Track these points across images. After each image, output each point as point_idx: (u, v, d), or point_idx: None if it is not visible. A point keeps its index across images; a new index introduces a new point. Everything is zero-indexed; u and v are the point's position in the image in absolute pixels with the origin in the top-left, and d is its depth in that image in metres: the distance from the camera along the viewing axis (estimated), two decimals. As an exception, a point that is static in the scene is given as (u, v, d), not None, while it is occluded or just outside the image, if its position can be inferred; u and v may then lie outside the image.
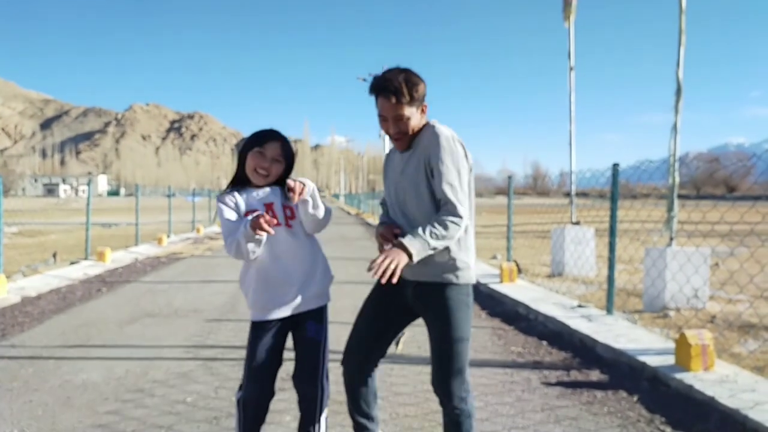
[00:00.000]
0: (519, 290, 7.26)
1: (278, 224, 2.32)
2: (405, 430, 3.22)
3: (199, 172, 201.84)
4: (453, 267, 2.28)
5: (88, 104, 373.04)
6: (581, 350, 4.84)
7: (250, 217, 2.22)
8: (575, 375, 4.23)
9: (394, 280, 2.09)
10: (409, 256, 2.11)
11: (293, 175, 2.48)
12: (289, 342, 2.49)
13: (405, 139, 2.32)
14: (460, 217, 2.19)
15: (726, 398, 3.41)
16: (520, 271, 8.51)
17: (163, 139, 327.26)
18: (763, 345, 4.80)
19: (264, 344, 2.39)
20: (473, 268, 2.36)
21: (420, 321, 2.53)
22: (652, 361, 4.16)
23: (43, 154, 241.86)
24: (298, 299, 2.39)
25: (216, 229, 20.16)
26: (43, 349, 4.86)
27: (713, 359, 3.95)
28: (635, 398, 3.72)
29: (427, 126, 2.33)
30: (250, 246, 2.24)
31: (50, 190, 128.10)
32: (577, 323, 5.37)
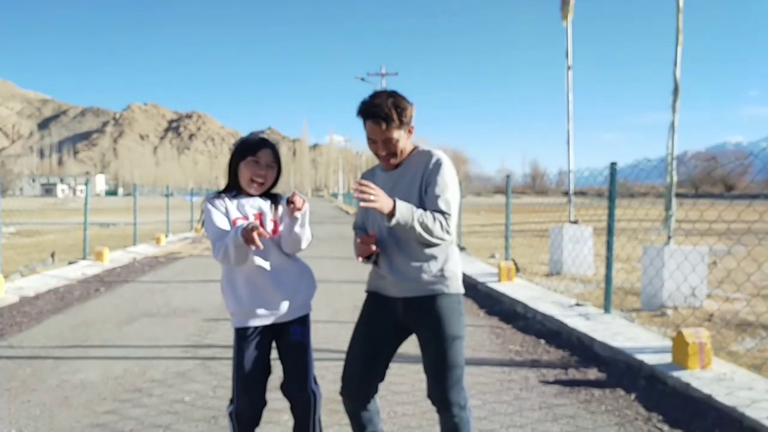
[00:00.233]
0: (517, 289, 7.27)
1: (269, 237, 2.34)
2: (403, 429, 3.23)
3: (197, 171, 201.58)
4: (442, 278, 2.29)
5: (86, 104, 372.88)
6: (579, 349, 4.85)
7: (242, 224, 2.21)
8: (573, 373, 4.24)
9: (362, 204, 2.08)
10: (392, 212, 2.10)
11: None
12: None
13: (394, 160, 2.34)
14: (448, 230, 2.22)
15: (723, 396, 3.42)
16: (518, 269, 8.53)
17: (161, 138, 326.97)
18: (760, 343, 4.82)
19: (250, 354, 2.39)
20: (461, 278, 2.37)
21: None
22: (650, 359, 4.17)
23: (41, 154, 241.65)
24: (284, 308, 2.39)
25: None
26: (41, 349, 4.86)
27: (710, 357, 3.96)
28: (633, 396, 3.73)
29: (422, 151, 2.36)
30: (239, 254, 2.22)
31: (48, 190, 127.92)
32: (575, 322, 5.38)
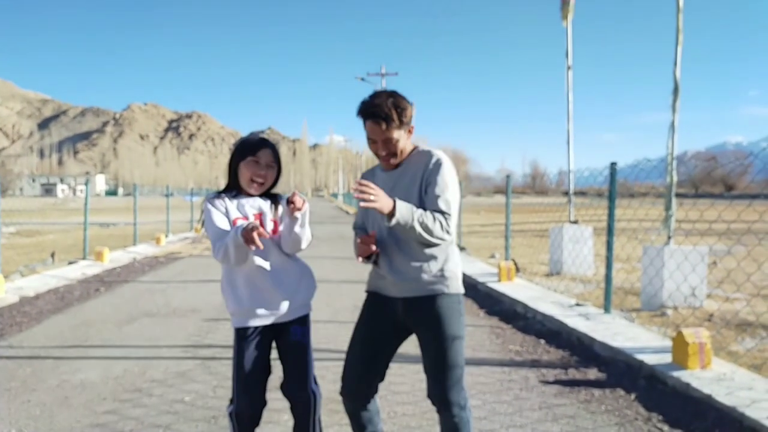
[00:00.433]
0: (517, 289, 7.27)
1: (269, 237, 2.34)
2: (403, 429, 3.23)
3: (197, 171, 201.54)
4: (443, 278, 2.29)
5: (86, 104, 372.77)
6: (579, 349, 4.85)
7: (242, 224, 2.21)
8: (573, 373, 4.24)
9: (362, 204, 2.08)
10: (392, 212, 2.11)
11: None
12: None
13: (394, 160, 2.35)
14: (448, 230, 2.22)
15: (723, 396, 3.42)
16: (518, 269, 8.53)
17: (162, 138, 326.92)
18: (760, 343, 4.82)
19: (250, 354, 2.38)
20: (461, 278, 2.38)
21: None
22: (650, 359, 4.17)
23: (41, 154, 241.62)
24: (284, 308, 2.39)
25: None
26: (41, 349, 4.86)
27: (710, 357, 3.96)
28: (633, 396, 3.73)
29: (422, 151, 2.37)
30: (239, 254, 2.22)
31: (48, 190, 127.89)
32: (575, 322, 5.38)
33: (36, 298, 7.11)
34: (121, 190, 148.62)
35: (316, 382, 2.50)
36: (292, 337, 2.42)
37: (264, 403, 2.45)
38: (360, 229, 2.56)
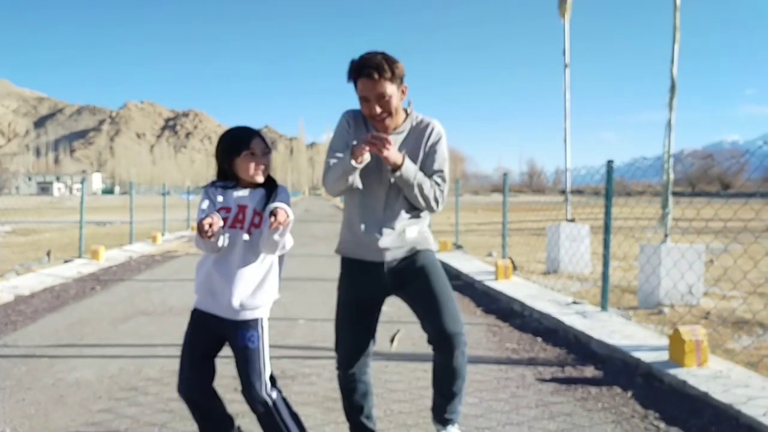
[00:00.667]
0: (514, 287, 7.27)
1: (233, 226, 2.33)
2: (399, 427, 3.22)
3: (194, 170, 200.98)
4: (425, 239, 2.50)
5: (83, 102, 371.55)
6: (576, 346, 4.85)
7: (204, 215, 2.23)
8: (570, 371, 4.23)
9: (376, 151, 2.19)
10: (398, 165, 2.25)
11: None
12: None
13: (389, 121, 2.33)
14: (438, 201, 2.39)
15: (719, 393, 3.43)
16: (515, 268, 8.52)
17: (158, 137, 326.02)
18: (756, 341, 4.83)
19: (192, 336, 2.41)
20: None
21: (415, 318, 2.54)
22: (647, 357, 4.17)
23: (37, 153, 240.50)
24: (232, 305, 2.31)
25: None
26: (36, 348, 4.84)
27: (707, 355, 3.96)
28: (629, 394, 3.73)
29: (419, 119, 2.45)
30: (204, 244, 2.27)
31: (44, 189, 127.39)
32: (572, 320, 5.38)
33: (31, 297, 7.08)
34: (117, 189, 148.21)
35: (274, 386, 2.40)
36: (238, 342, 2.35)
37: (203, 391, 2.42)
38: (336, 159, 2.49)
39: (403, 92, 2.34)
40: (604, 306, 5.80)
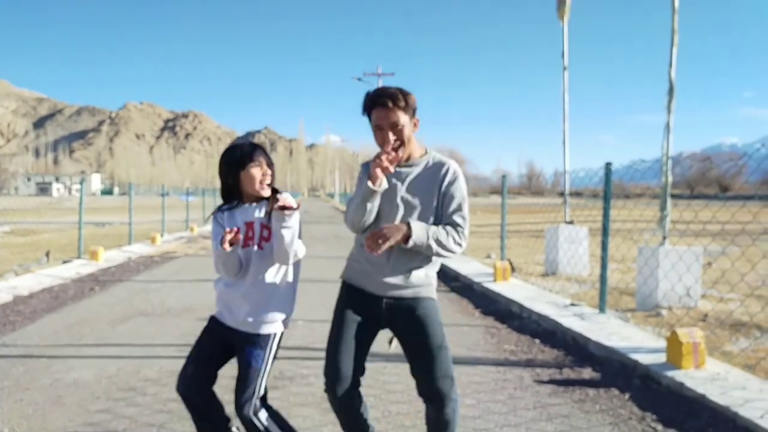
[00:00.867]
0: (512, 289, 7.27)
1: (246, 245, 2.37)
2: (397, 428, 3.22)
3: (193, 171, 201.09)
4: (429, 284, 2.44)
5: (82, 103, 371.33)
6: (574, 348, 4.85)
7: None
8: (567, 373, 4.24)
9: (380, 251, 2.16)
10: (407, 236, 2.20)
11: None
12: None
13: (401, 150, 2.36)
14: (462, 244, 2.34)
15: (717, 396, 3.44)
16: (513, 269, 8.53)
17: (158, 138, 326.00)
18: (753, 343, 4.84)
19: (203, 339, 2.48)
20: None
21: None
22: (644, 359, 4.18)
23: (36, 153, 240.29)
24: (246, 319, 2.38)
25: (209, 228, 20.08)
26: (34, 348, 4.84)
27: (704, 357, 3.97)
28: (627, 396, 3.73)
29: (435, 159, 2.44)
30: (223, 262, 2.31)
31: (43, 189, 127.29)
32: (570, 322, 5.39)
33: (30, 297, 7.08)
34: (116, 190, 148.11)
35: (265, 405, 2.40)
36: (244, 356, 2.39)
37: (205, 391, 2.43)
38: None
39: (415, 125, 2.40)
40: (602, 308, 5.80)
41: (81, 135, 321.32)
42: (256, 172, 2.37)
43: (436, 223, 2.36)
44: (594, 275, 8.37)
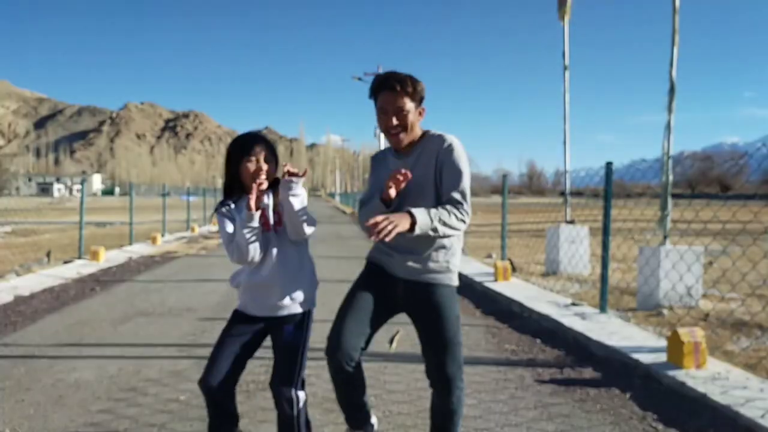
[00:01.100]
0: (513, 288, 7.27)
1: (267, 229, 2.40)
2: (398, 428, 3.22)
3: (194, 171, 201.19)
4: (447, 270, 2.42)
5: (83, 103, 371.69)
6: (575, 348, 4.85)
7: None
8: (568, 372, 4.24)
9: (388, 239, 2.09)
10: (412, 225, 2.15)
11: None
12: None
13: (403, 135, 2.35)
14: (465, 220, 2.29)
15: (718, 395, 3.43)
16: (514, 269, 8.53)
17: (158, 138, 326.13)
18: (755, 343, 4.83)
19: (234, 332, 2.46)
20: (457, 272, 2.50)
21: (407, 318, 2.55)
22: (645, 358, 4.18)
23: (37, 153, 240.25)
24: (280, 302, 2.42)
25: (210, 228, 20.12)
26: (35, 348, 4.84)
27: (705, 357, 3.97)
28: (628, 395, 3.73)
29: (433, 135, 2.43)
30: (249, 236, 2.28)
31: (44, 189, 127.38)
32: (571, 321, 5.39)
33: (31, 297, 7.09)
34: (117, 190, 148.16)
35: (303, 386, 2.47)
36: (284, 336, 2.44)
37: (229, 388, 2.44)
38: (369, 198, 2.54)
39: (420, 113, 2.40)
40: (603, 307, 5.80)
41: (82, 135, 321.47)
42: (250, 166, 2.38)
43: (438, 198, 2.33)
44: (595, 275, 8.37)
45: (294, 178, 2.31)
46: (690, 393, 3.59)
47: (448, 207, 2.27)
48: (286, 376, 2.40)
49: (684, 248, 6.28)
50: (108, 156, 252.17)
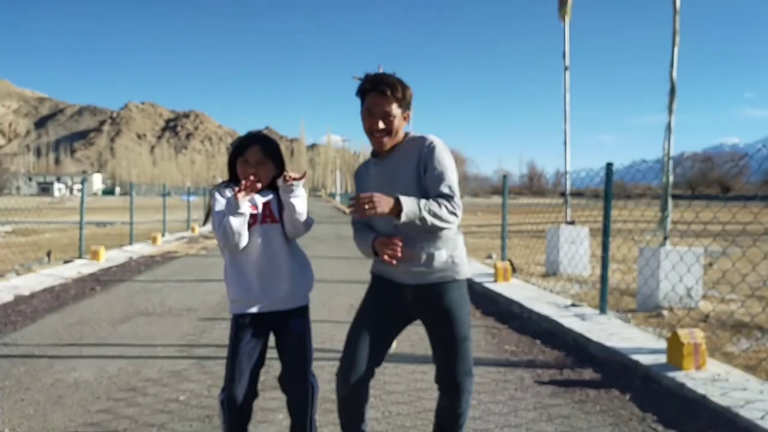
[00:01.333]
0: (513, 289, 7.27)
1: (264, 221, 2.41)
2: (397, 429, 3.22)
3: (194, 171, 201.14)
4: (453, 264, 2.38)
5: (83, 102, 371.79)
6: (574, 349, 4.85)
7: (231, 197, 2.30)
8: (568, 374, 4.24)
9: (368, 213, 2.09)
10: (398, 211, 2.14)
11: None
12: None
13: (387, 139, 2.36)
14: (457, 213, 2.25)
15: (717, 396, 3.43)
16: (514, 270, 8.53)
17: (159, 137, 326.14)
18: (755, 344, 4.83)
19: (246, 341, 2.42)
20: (467, 263, 2.46)
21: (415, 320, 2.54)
22: (645, 359, 4.17)
23: (38, 153, 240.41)
24: (286, 295, 2.43)
25: (210, 227, 20.09)
26: (35, 348, 4.84)
27: (705, 358, 3.97)
28: (627, 397, 3.73)
29: (414, 136, 2.42)
30: (235, 222, 2.27)
31: (45, 189, 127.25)
32: (571, 322, 5.38)
33: (31, 297, 7.09)
34: (118, 190, 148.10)
35: (313, 375, 2.53)
36: (292, 329, 2.46)
37: (255, 394, 2.46)
38: (359, 224, 2.53)
39: (405, 118, 2.40)
40: (602, 308, 5.80)
41: (82, 135, 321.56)
42: (243, 165, 2.41)
43: (424, 197, 2.30)
44: (595, 276, 8.37)
45: (294, 182, 2.33)
46: (690, 394, 3.59)
47: (439, 200, 2.25)
48: (301, 368, 2.44)
49: (684, 249, 6.27)
50: (108, 156, 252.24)
